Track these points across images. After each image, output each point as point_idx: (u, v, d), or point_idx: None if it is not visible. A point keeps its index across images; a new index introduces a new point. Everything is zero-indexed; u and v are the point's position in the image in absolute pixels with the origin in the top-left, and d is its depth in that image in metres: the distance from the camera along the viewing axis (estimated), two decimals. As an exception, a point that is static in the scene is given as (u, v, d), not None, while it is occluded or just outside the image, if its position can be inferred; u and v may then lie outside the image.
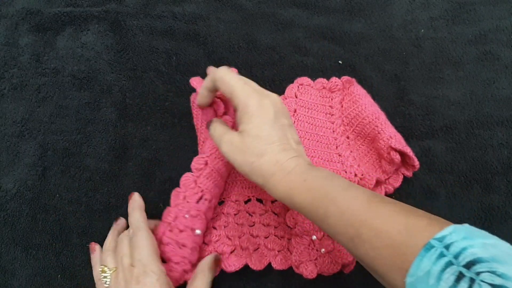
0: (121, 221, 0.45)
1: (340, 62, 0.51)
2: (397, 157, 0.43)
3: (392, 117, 0.48)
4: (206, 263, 0.41)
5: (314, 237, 0.43)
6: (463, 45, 0.52)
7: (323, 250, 0.42)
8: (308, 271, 0.42)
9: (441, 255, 0.26)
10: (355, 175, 0.45)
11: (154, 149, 0.48)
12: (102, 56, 0.52)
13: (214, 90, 0.42)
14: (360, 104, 0.46)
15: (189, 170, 0.46)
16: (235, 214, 0.45)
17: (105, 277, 0.39)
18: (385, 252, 0.29)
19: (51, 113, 0.50)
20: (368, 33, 0.53)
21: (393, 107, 0.49)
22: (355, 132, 0.46)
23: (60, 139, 0.49)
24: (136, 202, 0.43)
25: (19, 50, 0.52)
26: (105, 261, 0.40)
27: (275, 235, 0.45)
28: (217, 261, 0.42)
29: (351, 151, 0.46)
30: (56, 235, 0.46)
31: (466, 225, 0.28)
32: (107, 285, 0.39)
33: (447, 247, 0.26)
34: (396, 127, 0.46)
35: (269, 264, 0.44)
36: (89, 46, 0.53)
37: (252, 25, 0.54)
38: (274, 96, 0.39)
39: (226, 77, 0.39)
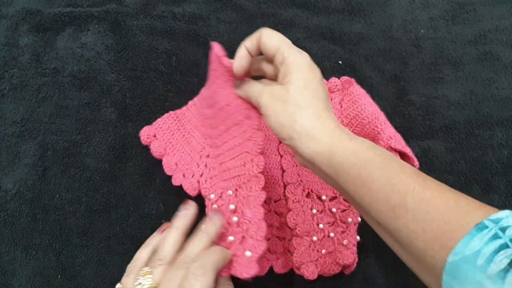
0: (192, 209, 0.38)
1: (340, 62, 0.52)
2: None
3: (391, 117, 0.48)
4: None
5: (314, 238, 0.43)
6: (462, 45, 0.52)
7: (324, 251, 0.42)
8: (309, 272, 0.42)
9: (496, 236, 0.24)
10: None
11: (154, 149, 0.48)
12: (102, 56, 0.52)
13: (254, 50, 0.38)
14: (360, 104, 0.46)
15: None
16: None
17: (140, 285, 0.34)
18: (429, 226, 0.27)
19: (51, 113, 0.50)
20: (368, 33, 0.53)
21: (393, 107, 0.49)
22: (354, 132, 0.46)
23: (60, 139, 0.49)
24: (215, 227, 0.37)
25: (19, 50, 0.52)
26: (152, 271, 0.34)
27: (277, 237, 0.45)
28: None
29: None
30: (56, 235, 0.46)
31: None
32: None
33: (502, 229, 0.24)
34: (396, 127, 0.46)
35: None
36: (89, 46, 0.53)
37: (252, 25, 0.54)
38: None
39: (275, 33, 0.36)
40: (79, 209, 0.46)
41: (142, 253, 0.37)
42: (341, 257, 0.42)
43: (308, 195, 0.44)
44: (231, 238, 0.37)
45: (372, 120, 0.45)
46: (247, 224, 0.37)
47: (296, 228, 0.43)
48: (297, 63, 0.35)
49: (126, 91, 0.50)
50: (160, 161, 0.47)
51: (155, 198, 0.47)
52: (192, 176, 0.45)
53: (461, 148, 0.48)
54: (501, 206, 0.46)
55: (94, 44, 0.53)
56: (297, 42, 0.53)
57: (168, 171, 0.45)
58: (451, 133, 0.49)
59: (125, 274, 0.36)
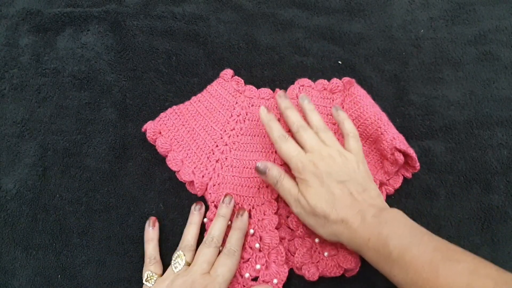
0: (203, 208, 0.45)
1: (340, 62, 0.52)
2: (401, 158, 0.43)
3: (391, 117, 0.48)
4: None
5: (317, 240, 0.43)
6: (462, 46, 0.52)
7: (326, 253, 0.42)
8: (310, 273, 0.42)
9: None
10: None
11: (154, 149, 0.48)
12: (102, 57, 0.52)
13: None
14: (362, 105, 0.46)
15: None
16: None
17: (177, 263, 0.40)
18: None
19: (51, 114, 0.50)
20: (368, 34, 0.53)
21: (393, 107, 0.49)
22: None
23: (60, 139, 0.49)
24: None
25: (19, 50, 0.52)
26: (185, 256, 0.41)
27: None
28: None
29: None
30: (56, 235, 0.46)
31: None
32: (176, 271, 0.40)
33: None
34: (396, 127, 0.46)
35: None
36: (89, 46, 0.53)
37: (252, 25, 0.54)
38: (325, 150, 0.41)
39: (283, 148, 0.42)
40: (79, 209, 0.46)
41: (151, 247, 0.43)
42: (344, 260, 0.42)
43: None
44: (258, 266, 0.42)
45: (375, 120, 0.45)
46: (267, 249, 0.42)
47: (298, 230, 0.43)
48: (302, 179, 0.40)
49: (126, 91, 0.50)
50: (160, 161, 0.47)
51: (155, 198, 0.47)
52: (203, 177, 0.45)
53: (461, 148, 0.48)
54: (500, 206, 0.47)
55: (94, 44, 0.53)
56: (297, 42, 0.53)
57: (174, 167, 0.46)
58: (451, 133, 0.49)
59: (149, 264, 0.42)
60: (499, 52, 0.52)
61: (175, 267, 0.40)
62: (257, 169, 0.42)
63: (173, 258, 0.41)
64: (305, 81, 0.49)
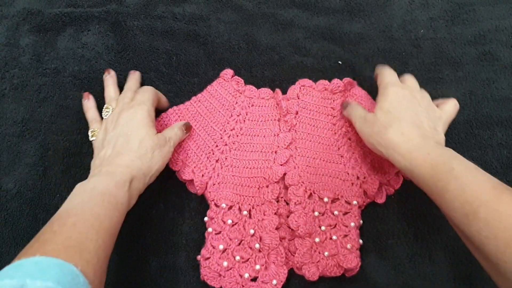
0: (113, 72, 0.49)
1: (340, 62, 0.52)
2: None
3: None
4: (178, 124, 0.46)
5: (317, 240, 0.43)
6: (462, 46, 0.53)
7: (326, 253, 0.42)
8: (311, 273, 0.42)
9: None
10: (358, 177, 0.45)
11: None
12: (102, 57, 0.52)
13: None
14: (363, 106, 0.46)
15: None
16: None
17: (107, 112, 0.45)
18: (501, 234, 0.29)
19: (52, 113, 0.50)
20: (368, 34, 0.53)
21: (393, 107, 0.49)
22: (357, 134, 0.47)
23: (60, 139, 0.49)
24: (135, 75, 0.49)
25: (20, 50, 0.53)
26: (109, 104, 0.46)
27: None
28: (187, 126, 0.46)
29: (353, 153, 0.46)
30: (57, 234, 0.46)
31: None
32: (105, 117, 0.45)
33: None
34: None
35: None
36: (89, 46, 0.53)
37: (252, 25, 0.54)
38: (414, 88, 0.44)
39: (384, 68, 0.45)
40: (79, 209, 0.46)
41: (91, 114, 0.48)
42: (344, 260, 0.42)
43: (310, 197, 0.45)
44: (257, 267, 0.42)
45: None
46: (267, 249, 0.42)
47: (298, 230, 0.42)
48: (385, 92, 0.42)
49: (127, 91, 0.50)
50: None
51: (155, 197, 0.47)
52: (202, 176, 0.45)
53: (461, 148, 0.48)
54: (500, 206, 0.46)
55: (94, 44, 0.53)
56: (297, 42, 0.53)
57: (174, 167, 0.46)
58: (450, 133, 0.49)
59: (91, 126, 0.47)
60: (499, 52, 0.52)
61: (107, 115, 0.45)
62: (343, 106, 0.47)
63: (102, 111, 0.46)
64: (306, 81, 0.49)
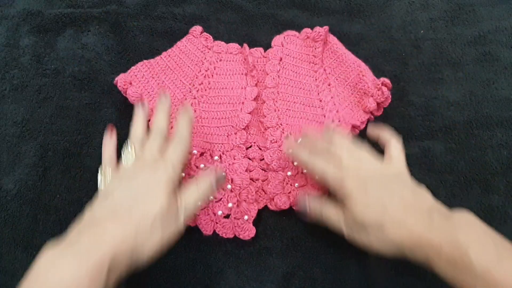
0: (147, 105, 0.45)
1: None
2: (386, 91, 0.47)
3: (391, 118, 0.48)
4: (207, 176, 0.39)
5: (289, 173, 0.46)
6: (462, 46, 0.53)
7: (296, 184, 0.46)
8: (282, 202, 0.45)
9: None
10: (332, 120, 0.48)
11: (154, 149, 0.48)
12: (102, 57, 0.52)
13: None
14: (341, 52, 0.50)
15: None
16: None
17: (127, 157, 0.39)
18: None
19: (52, 114, 0.50)
20: (368, 34, 0.53)
21: (393, 107, 0.49)
22: (337, 79, 0.49)
23: (60, 139, 0.49)
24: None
25: (19, 51, 0.53)
26: (133, 144, 0.40)
27: (250, 179, 0.47)
28: (220, 179, 0.39)
29: (331, 97, 0.49)
30: (57, 235, 0.46)
31: None
32: (124, 162, 0.38)
33: None
34: (396, 128, 0.46)
35: (267, 266, 0.44)
36: (89, 47, 0.53)
37: (252, 26, 0.54)
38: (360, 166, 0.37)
39: (315, 164, 0.40)
40: (79, 209, 0.46)
41: (108, 154, 0.42)
42: (312, 190, 0.45)
43: (286, 137, 0.47)
44: (230, 205, 0.45)
45: (356, 65, 0.49)
46: (238, 189, 0.45)
47: (272, 163, 0.46)
48: (344, 193, 0.36)
49: (127, 91, 0.50)
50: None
51: (155, 198, 0.47)
52: (171, 128, 0.47)
53: (461, 149, 0.48)
54: (500, 206, 0.47)
55: (94, 45, 0.53)
56: (297, 43, 0.53)
57: None
58: (450, 134, 0.49)
59: (104, 167, 0.40)
60: (499, 52, 0.52)
61: (126, 160, 0.38)
62: (299, 207, 0.41)
63: (122, 152, 0.39)
64: (290, 32, 0.52)
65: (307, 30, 0.51)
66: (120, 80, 0.48)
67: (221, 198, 0.45)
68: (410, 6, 0.55)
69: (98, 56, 0.52)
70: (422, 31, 0.53)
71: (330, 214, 0.38)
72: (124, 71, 0.51)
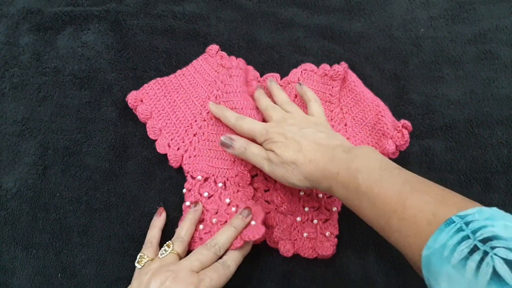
0: (199, 207, 0.44)
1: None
2: (406, 134, 0.45)
3: (392, 116, 0.48)
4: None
5: (298, 219, 0.44)
6: (462, 44, 0.53)
7: (305, 234, 0.44)
8: (286, 249, 0.43)
9: (460, 229, 0.26)
10: None
11: (154, 148, 0.48)
12: (102, 56, 0.52)
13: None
14: (359, 91, 0.47)
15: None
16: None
17: (164, 250, 0.40)
18: (414, 241, 0.29)
19: (52, 112, 0.50)
20: (368, 33, 0.53)
21: (393, 106, 0.49)
22: (354, 119, 0.48)
23: (60, 138, 0.49)
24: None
25: (19, 49, 0.52)
26: (173, 244, 0.41)
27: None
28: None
29: (347, 138, 0.47)
30: (57, 234, 0.46)
31: (494, 208, 0.28)
32: (161, 257, 0.40)
33: (467, 223, 0.27)
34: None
35: (268, 265, 0.44)
36: (89, 45, 0.53)
37: (252, 24, 0.54)
38: (289, 118, 0.43)
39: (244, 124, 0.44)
40: (79, 208, 0.46)
41: (152, 233, 0.44)
42: (321, 246, 0.43)
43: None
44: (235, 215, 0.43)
45: (374, 105, 0.47)
46: None
47: (282, 206, 0.44)
48: (269, 141, 0.41)
49: (127, 90, 0.50)
50: (160, 160, 0.47)
51: (155, 197, 0.47)
52: (178, 149, 0.46)
53: (461, 147, 0.48)
54: (501, 205, 0.46)
55: (94, 43, 0.53)
56: (297, 42, 0.53)
57: (151, 135, 0.47)
58: (451, 132, 0.49)
59: (144, 248, 0.42)
60: (499, 51, 0.52)
61: (162, 254, 0.40)
62: (222, 144, 0.43)
63: (162, 247, 0.41)
64: (308, 65, 0.50)
65: (325, 66, 0.49)
66: (131, 97, 0.47)
67: (226, 220, 0.44)
68: (411, 4, 0.54)
69: (98, 54, 0.52)
70: (422, 30, 0.53)
71: (255, 150, 0.42)
72: (124, 69, 0.51)
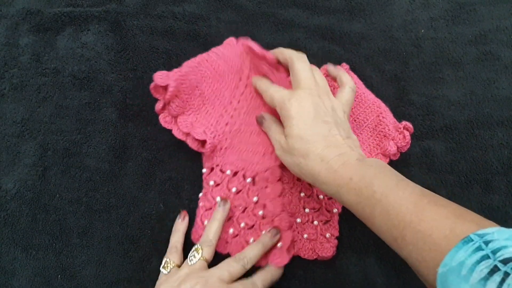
0: (228, 205, 0.43)
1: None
2: (408, 135, 0.44)
3: (392, 117, 0.48)
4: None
5: (298, 220, 0.44)
6: (463, 45, 0.52)
7: (305, 235, 0.44)
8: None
9: (479, 248, 0.26)
10: None
11: (154, 149, 0.48)
12: (102, 56, 0.52)
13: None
14: (360, 94, 0.47)
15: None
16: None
17: (193, 256, 0.39)
18: (428, 255, 0.29)
19: (51, 113, 0.50)
20: (368, 33, 0.53)
21: (393, 107, 0.49)
22: (355, 121, 0.47)
23: (60, 139, 0.49)
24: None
25: (19, 50, 0.52)
26: (202, 250, 0.40)
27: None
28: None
29: None
30: (56, 235, 0.46)
31: None
32: (191, 263, 0.39)
33: (486, 242, 0.26)
34: (396, 127, 0.46)
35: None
36: (89, 46, 0.53)
37: (252, 25, 0.54)
38: (315, 90, 0.39)
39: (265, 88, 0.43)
40: (79, 209, 0.46)
41: (176, 238, 0.43)
42: (321, 248, 0.43)
43: (299, 179, 0.45)
44: (263, 232, 0.43)
45: (376, 106, 0.46)
46: (271, 216, 0.43)
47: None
48: (287, 114, 0.39)
49: (127, 91, 0.50)
50: (160, 161, 0.47)
51: (155, 198, 0.47)
52: (214, 137, 0.45)
53: (462, 148, 0.48)
54: (501, 206, 0.47)
55: (94, 44, 0.53)
56: (297, 42, 0.53)
57: (184, 129, 0.44)
58: (451, 133, 0.49)
59: (169, 253, 0.42)
60: (500, 52, 0.52)
61: (191, 260, 0.39)
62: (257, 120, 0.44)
63: (191, 251, 0.40)
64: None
65: (326, 67, 0.48)
66: (170, 90, 0.42)
67: (253, 225, 0.43)
68: (411, 5, 0.54)
69: (97, 55, 0.52)
70: (422, 30, 0.53)
71: (272, 126, 0.42)
72: (124, 70, 0.51)
